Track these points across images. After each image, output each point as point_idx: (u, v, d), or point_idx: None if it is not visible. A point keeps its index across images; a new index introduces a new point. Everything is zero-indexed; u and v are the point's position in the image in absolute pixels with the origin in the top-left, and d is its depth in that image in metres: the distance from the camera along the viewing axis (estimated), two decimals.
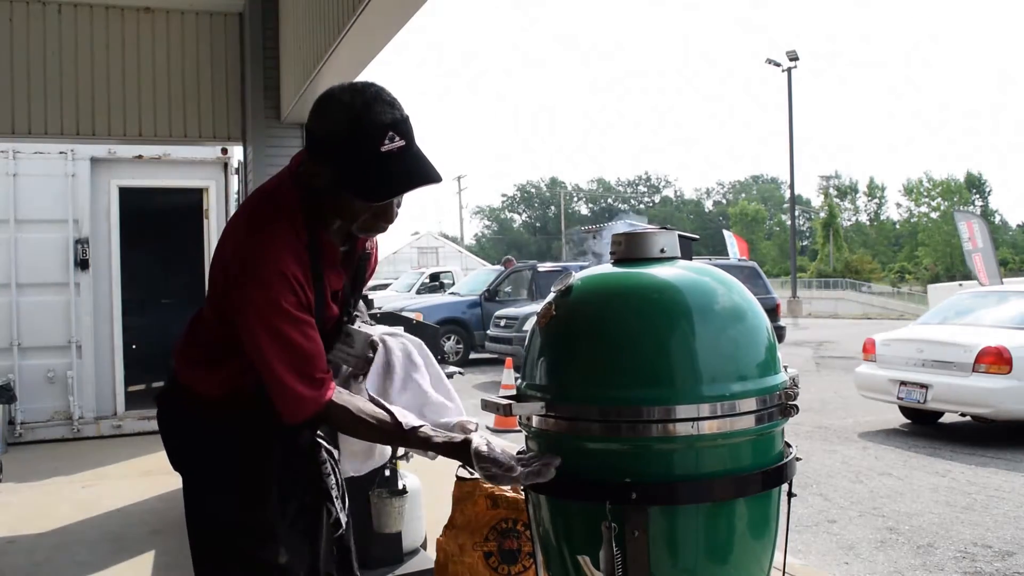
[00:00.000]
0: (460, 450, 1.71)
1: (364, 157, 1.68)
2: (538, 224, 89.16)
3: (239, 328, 1.76)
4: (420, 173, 1.72)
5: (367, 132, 1.67)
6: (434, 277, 21.87)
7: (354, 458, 2.31)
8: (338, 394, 1.82)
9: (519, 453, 1.76)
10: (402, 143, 1.69)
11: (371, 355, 2.06)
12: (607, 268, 1.81)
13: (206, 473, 1.97)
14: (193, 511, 1.99)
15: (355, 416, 1.80)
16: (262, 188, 1.91)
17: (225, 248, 1.84)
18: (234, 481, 1.93)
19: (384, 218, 1.80)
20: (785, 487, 1.77)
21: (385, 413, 1.83)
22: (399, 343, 2.86)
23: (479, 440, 1.69)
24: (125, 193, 7.97)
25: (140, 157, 7.88)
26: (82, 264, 7.67)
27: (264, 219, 1.79)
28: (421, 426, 1.80)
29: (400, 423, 1.80)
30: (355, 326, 2.07)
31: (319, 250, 1.82)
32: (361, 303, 2.19)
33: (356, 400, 1.86)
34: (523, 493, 1.92)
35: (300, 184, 1.82)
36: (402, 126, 1.70)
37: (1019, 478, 6.45)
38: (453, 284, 19.81)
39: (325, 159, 1.73)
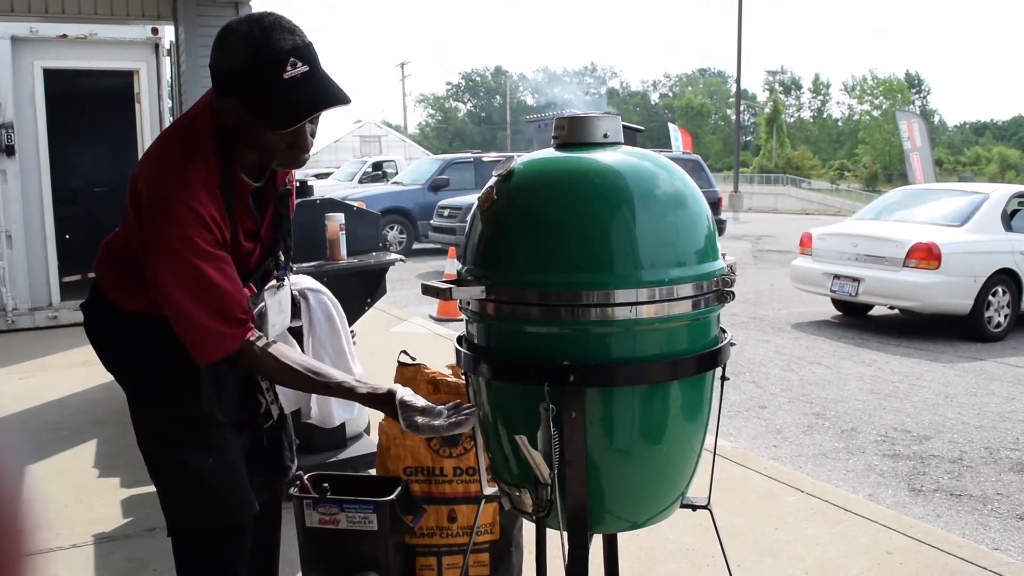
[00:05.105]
0: (384, 401, 1.75)
1: (267, 85, 1.65)
2: (483, 114, 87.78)
3: (148, 270, 1.72)
4: (325, 96, 1.69)
5: (268, 60, 1.64)
6: (377, 166, 21.50)
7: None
8: (260, 337, 1.81)
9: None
10: (305, 68, 1.65)
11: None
12: (549, 152, 1.79)
13: (138, 382, 1.97)
14: (134, 421, 1.98)
15: (280, 362, 1.80)
16: (177, 122, 1.86)
17: (138, 183, 1.77)
18: (165, 387, 1.92)
19: (299, 147, 1.76)
20: (719, 371, 1.82)
21: (310, 361, 1.87)
22: (319, 300, 2.81)
23: (403, 391, 1.74)
24: (51, 75, 7.61)
25: (64, 37, 7.50)
26: (7, 150, 7.36)
27: (176, 157, 1.74)
28: (344, 379, 1.84)
29: (323, 373, 1.84)
30: (282, 283, 2.04)
31: (232, 190, 1.79)
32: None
33: (281, 346, 1.86)
34: (463, 377, 1.94)
35: (215, 119, 1.77)
36: (304, 51, 1.67)
37: (940, 368, 6.75)
38: (396, 173, 19.52)
39: (231, 94, 1.70)
